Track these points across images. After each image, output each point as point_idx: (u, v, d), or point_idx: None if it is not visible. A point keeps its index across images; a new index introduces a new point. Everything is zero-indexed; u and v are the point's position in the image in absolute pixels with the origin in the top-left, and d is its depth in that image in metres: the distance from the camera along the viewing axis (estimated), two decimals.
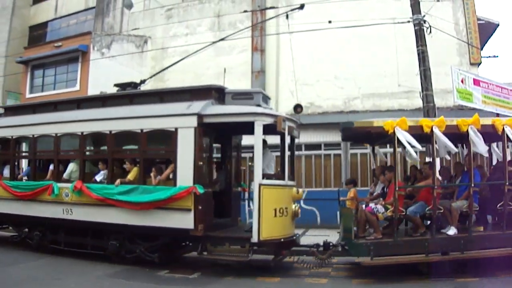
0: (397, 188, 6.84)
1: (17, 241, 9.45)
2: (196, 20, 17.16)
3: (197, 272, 7.37)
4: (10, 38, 21.41)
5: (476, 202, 7.04)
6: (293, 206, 7.53)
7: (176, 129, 7.50)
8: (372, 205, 7.32)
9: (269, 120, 7.26)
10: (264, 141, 7.69)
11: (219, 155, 9.73)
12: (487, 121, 7.07)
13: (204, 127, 7.46)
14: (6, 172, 9.62)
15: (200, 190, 7.15)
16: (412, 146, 6.79)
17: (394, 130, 6.73)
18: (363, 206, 7.52)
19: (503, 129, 6.85)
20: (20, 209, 9.01)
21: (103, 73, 15.67)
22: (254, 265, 7.64)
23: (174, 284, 6.87)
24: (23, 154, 10.30)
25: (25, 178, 9.66)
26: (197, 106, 7.51)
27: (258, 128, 7.17)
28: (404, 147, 7.07)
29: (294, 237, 7.54)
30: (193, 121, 7.36)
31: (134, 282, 6.87)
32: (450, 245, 6.79)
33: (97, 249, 8.26)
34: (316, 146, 14.07)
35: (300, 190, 7.97)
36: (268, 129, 7.24)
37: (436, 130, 6.79)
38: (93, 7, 20.18)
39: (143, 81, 9.64)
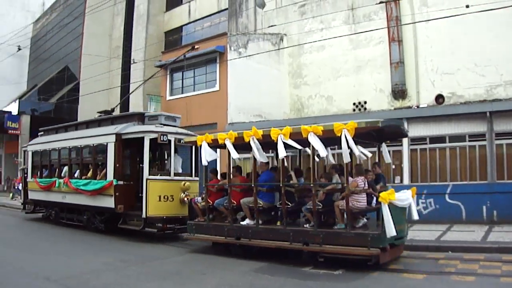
0: (204, 185, 12.44)
1: (45, 217, 19.28)
2: (331, 14, 22.60)
3: (341, 269, 9.62)
4: (147, 44, 29.90)
5: (265, 199, 11.35)
6: (181, 194, 14.05)
7: (107, 143, 15.25)
8: (196, 197, 13.15)
9: (153, 135, 14.22)
10: (176, 148, 14.62)
11: None
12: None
13: (123, 142, 14.94)
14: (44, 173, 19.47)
15: (115, 182, 14.64)
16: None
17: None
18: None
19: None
20: (44, 196, 18.71)
21: (242, 72, 22.01)
22: (149, 233, 14.52)
23: (319, 280, 8.94)
24: (45, 161, 19.34)
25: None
26: (119, 127, 15.15)
27: (147, 141, 14.28)
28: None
29: (181, 217, 13.67)
30: (113, 138, 14.99)
31: (279, 277, 9.14)
32: (242, 232, 11.39)
33: (80, 222, 16.68)
34: (460, 138, 17.19)
35: (187, 183, 14.30)
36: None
37: (227, 142, 11.41)
38: (226, 9, 27.52)
39: (113, 109, 18.79)
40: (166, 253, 12.49)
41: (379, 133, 10.95)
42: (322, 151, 9.89)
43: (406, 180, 17.44)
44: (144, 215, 13.82)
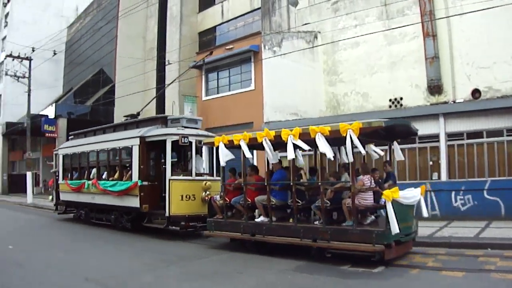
0: (221, 184, 13.82)
1: (76, 217, 21.07)
2: (364, 11, 23.19)
3: (381, 266, 9.85)
4: (181, 46, 31.04)
5: (278, 197, 12.15)
6: (203, 194, 15.19)
7: (132, 146, 16.50)
8: (215, 196, 14.11)
9: (175, 138, 15.34)
10: (198, 149, 16.12)
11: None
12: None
13: (147, 144, 16.15)
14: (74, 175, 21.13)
15: (140, 183, 15.89)
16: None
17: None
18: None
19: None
20: (75, 197, 20.38)
21: (276, 71, 22.83)
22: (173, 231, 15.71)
23: (358, 278, 9.18)
24: (75, 164, 20.89)
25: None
26: (143, 130, 16.40)
27: (168, 143, 15.44)
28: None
29: (203, 215, 14.42)
30: (137, 141, 16.21)
31: (318, 276, 9.38)
32: (256, 229, 12.26)
33: (109, 221, 18.03)
34: (498, 133, 17.33)
35: (208, 182, 15.51)
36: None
37: (242, 143, 12.36)
38: (259, 8, 28.45)
39: (138, 113, 20.12)
40: (201, 252, 13.01)
41: (389, 132, 11.54)
42: (328, 152, 10.48)
43: (444, 177, 17.75)
44: (167, 214, 14.99)
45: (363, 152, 10.75)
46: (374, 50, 23.02)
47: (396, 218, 9.66)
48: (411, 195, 10.75)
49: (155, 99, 31.06)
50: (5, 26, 53.51)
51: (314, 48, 24.80)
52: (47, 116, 39.66)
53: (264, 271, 10.10)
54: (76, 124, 33.03)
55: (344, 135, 10.07)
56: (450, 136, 17.86)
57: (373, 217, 11.36)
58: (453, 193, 17.14)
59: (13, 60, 36.01)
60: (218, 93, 25.73)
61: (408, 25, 19.78)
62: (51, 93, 47.12)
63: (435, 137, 17.98)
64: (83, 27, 45.56)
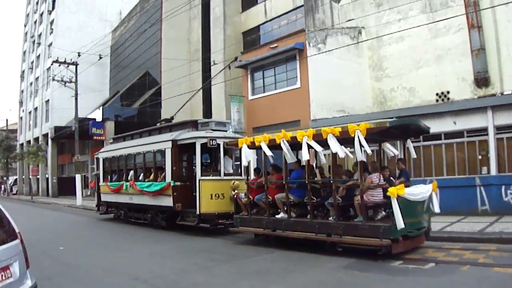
0: (245, 183, 14.96)
1: (116, 217, 22.99)
2: (407, 4, 23.74)
3: (431, 263, 10.13)
4: (226, 46, 32.27)
5: (296, 195, 13.17)
6: (231, 192, 15.72)
7: (165, 149, 18.02)
8: (240, 194, 15.04)
9: (203, 140, 16.71)
10: (226, 150, 17.32)
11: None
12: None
13: (178, 147, 17.62)
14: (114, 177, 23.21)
15: (172, 183, 17.39)
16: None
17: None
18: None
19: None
20: (114, 198, 22.30)
21: (322, 68, 23.74)
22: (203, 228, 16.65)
23: (409, 275, 9.35)
24: (114, 167, 22.94)
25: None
26: (175, 134, 17.90)
27: (198, 146, 16.78)
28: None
29: (232, 213, 15.36)
30: (170, 144, 17.71)
31: (368, 273, 9.58)
32: (277, 224, 13.41)
33: (145, 220, 19.68)
34: None
35: (236, 182, 16.11)
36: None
37: (263, 144, 13.43)
38: (301, 6, 29.36)
39: (172, 117, 22.28)
40: (250, 251, 13.37)
41: (401, 130, 12.46)
42: (340, 152, 11.32)
43: (494, 171, 17.71)
44: (198, 212, 16.39)
45: (369, 151, 11.28)
46: (419, 44, 23.43)
47: (402, 213, 10.29)
48: (419, 191, 11.50)
49: (202, 101, 32.66)
50: (51, 33, 56.43)
51: (359, 44, 25.49)
52: (94, 119, 41.44)
53: (314, 269, 10.42)
54: (123, 127, 34.74)
55: (353, 135, 10.88)
56: (499, 129, 17.78)
57: (383, 213, 11.86)
58: (503, 187, 17.16)
59: (59, 65, 38.16)
60: (264, 92, 26.78)
61: (452, 17, 19.90)
62: (97, 96, 49.39)
63: (483, 131, 18.03)
64: (127, 31, 47.47)
